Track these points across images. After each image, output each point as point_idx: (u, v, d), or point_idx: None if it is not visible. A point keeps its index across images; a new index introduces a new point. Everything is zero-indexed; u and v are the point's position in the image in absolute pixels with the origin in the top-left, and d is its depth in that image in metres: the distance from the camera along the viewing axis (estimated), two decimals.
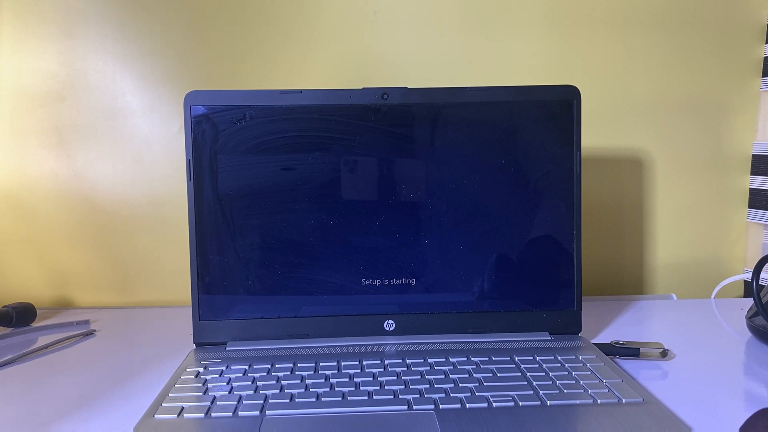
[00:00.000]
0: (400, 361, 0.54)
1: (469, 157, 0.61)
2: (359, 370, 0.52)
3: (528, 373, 0.51)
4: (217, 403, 0.47)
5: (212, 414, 0.45)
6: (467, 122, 0.61)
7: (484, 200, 0.61)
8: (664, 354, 0.58)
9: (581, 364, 0.53)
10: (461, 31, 0.81)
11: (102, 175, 0.82)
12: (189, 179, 0.59)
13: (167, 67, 0.80)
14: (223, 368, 0.54)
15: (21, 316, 0.71)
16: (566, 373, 0.52)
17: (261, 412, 0.45)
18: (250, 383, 0.50)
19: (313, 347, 0.59)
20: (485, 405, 0.46)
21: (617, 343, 0.59)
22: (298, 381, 0.51)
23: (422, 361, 0.54)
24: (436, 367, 0.53)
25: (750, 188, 0.85)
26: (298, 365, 0.54)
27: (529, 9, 0.81)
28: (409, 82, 0.61)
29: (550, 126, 0.61)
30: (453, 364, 0.53)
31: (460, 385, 0.49)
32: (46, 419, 0.47)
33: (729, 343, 0.63)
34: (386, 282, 0.61)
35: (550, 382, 0.50)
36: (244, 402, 0.47)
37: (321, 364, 0.54)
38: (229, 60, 0.80)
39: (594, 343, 0.59)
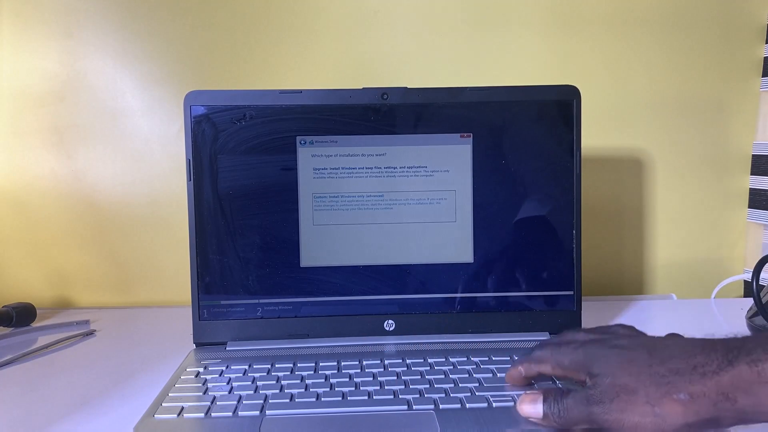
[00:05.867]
0: (400, 361, 0.54)
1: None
2: (359, 370, 0.52)
3: None
4: (217, 402, 0.47)
5: (212, 414, 0.45)
6: (467, 122, 0.61)
7: (484, 200, 0.61)
8: None
9: None
10: (461, 31, 0.81)
11: (102, 175, 0.82)
12: (189, 179, 0.59)
13: (167, 67, 0.80)
14: (223, 368, 0.54)
15: (21, 316, 0.71)
16: None
17: (261, 411, 0.45)
18: (250, 383, 0.50)
19: (313, 347, 0.59)
20: (485, 405, 0.46)
21: None
22: (298, 381, 0.51)
23: (422, 361, 0.54)
24: (436, 367, 0.53)
25: (750, 188, 0.85)
26: (298, 365, 0.54)
27: (529, 9, 0.81)
28: (409, 82, 0.61)
29: (550, 126, 0.61)
30: (453, 364, 0.53)
31: (460, 385, 0.49)
32: (46, 419, 0.47)
33: None
34: (386, 282, 0.61)
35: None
36: (244, 402, 0.47)
37: (321, 364, 0.54)
38: (229, 60, 0.80)
39: None
